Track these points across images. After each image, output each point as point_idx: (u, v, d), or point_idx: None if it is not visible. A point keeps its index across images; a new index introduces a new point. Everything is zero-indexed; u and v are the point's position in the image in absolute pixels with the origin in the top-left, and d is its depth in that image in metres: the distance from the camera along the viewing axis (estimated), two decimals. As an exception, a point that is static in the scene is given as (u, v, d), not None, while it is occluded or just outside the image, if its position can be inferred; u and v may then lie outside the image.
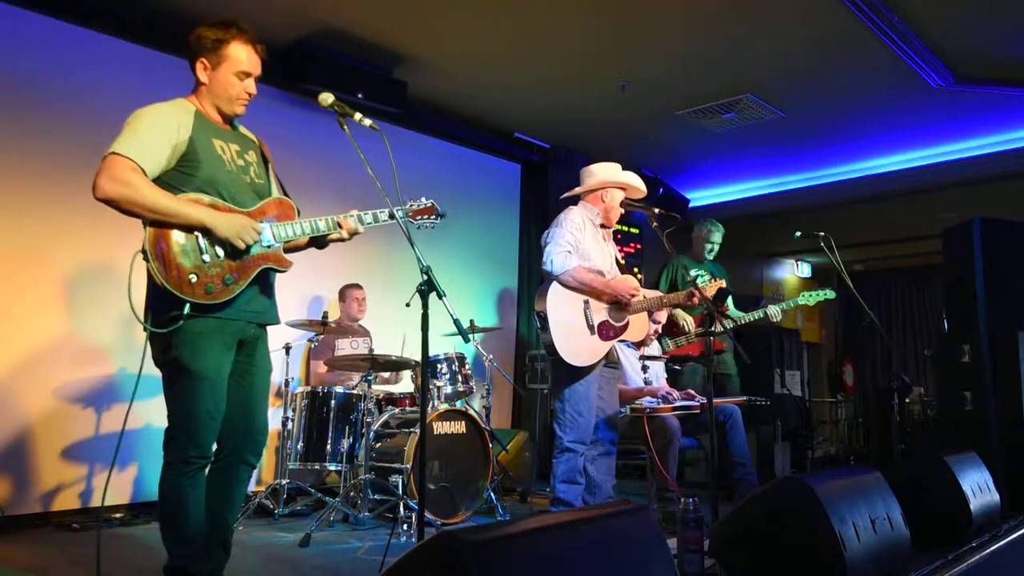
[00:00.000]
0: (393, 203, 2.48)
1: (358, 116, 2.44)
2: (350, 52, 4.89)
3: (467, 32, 4.72)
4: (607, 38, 4.75)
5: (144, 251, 2.15)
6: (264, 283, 2.43)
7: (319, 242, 2.54)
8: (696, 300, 3.46)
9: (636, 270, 7.17)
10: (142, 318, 2.22)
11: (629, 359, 4.25)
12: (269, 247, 2.36)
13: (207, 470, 2.32)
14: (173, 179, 2.25)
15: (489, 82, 5.46)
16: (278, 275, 2.49)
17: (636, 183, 3.57)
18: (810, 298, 4.39)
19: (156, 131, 2.22)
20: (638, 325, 3.51)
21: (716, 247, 5.18)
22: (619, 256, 3.69)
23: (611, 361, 3.54)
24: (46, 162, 4.05)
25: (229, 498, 2.39)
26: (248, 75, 2.38)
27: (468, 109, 5.95)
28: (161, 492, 2.26)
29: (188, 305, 2.17)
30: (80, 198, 3.96)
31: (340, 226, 2.47)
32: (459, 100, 5.79)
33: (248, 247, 2.28)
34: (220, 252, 2.25)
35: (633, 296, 3.39)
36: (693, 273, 4.92)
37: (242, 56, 2.36)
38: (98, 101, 4.17)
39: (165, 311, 2.19)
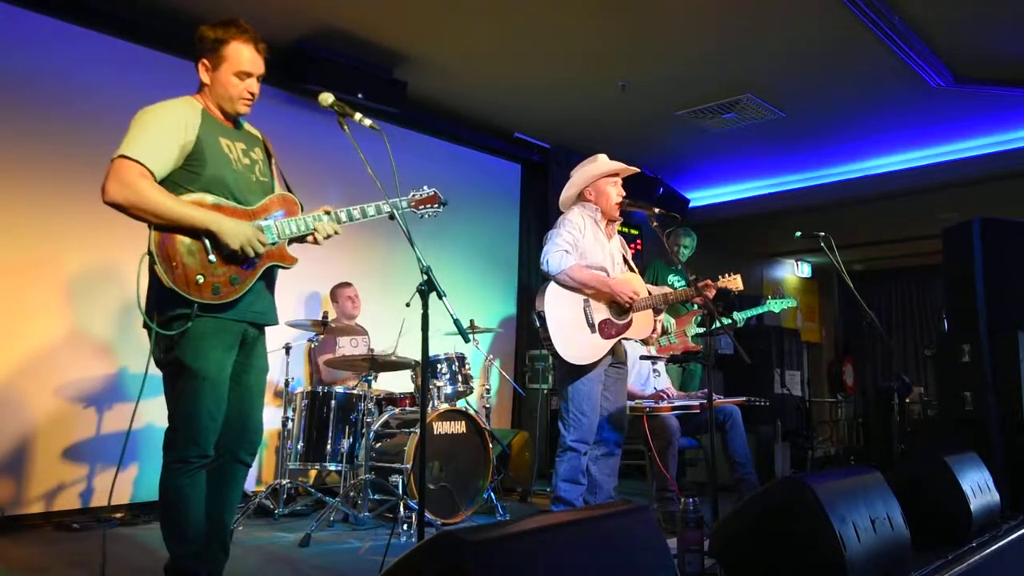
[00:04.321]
0: (394, 199, 2.48)
1: (358, 116, 2.43)
2: (350, 52, 4.89)
3: (467, 32, 4.72)
4: (607, 38, 4.75)
5: (150, 252, 2.15)
6: (268, 280, 2.43)
7: (300, 238, 2.50)
8: (701, 300, 3.47)
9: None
10: (148, 319, 2.21)
11: (632, 358, 4.25)
12: (274, 244, 2.36)
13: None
14: (180, 178, 2.24)
15: (489, 82, 5.46)
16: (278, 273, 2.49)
17: (605, 164, 3.55)
18: (775, 305, 4.74)
19: (164, 131, 2.21)
20: (642, 323, 3.50)
21: (687, 252, 5.47)
22: (628, 255, 3.68)
23: (619, 360, 3.52)
24: (46, 162, 4.05)
25: (225, 498, 2.38)
26: (249, 75, 2.37)
27: (468, 109, 5.95)
28: (161, 492, 2.25)
29: (196, 306, 2.17)
30: (80, 198, 4.01)
31: (318, 230, 2.43)
32: (459, 100, 5.79)
33: (252, 257, 2.27)
34: (226, 253, 2.24)
35: (632, 299, 3.37)
36: (670, 277, 5.39)
37: (242, 56, 2.34)
38: (99, 101, 4.17)
39: (171, 311, 2.19)
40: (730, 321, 4.47)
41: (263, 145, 2.55)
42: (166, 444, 2.26)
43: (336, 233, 2.47)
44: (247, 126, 2.54)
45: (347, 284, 4.95)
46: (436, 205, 2.67)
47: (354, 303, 4.92)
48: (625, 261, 3.64)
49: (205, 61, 2.35)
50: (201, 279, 2.18)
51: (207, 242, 2.21)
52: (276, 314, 2.52)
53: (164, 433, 2.27)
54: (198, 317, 2.19)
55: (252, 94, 2.40)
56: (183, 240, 2.18)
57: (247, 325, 2.37)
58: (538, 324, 3.32)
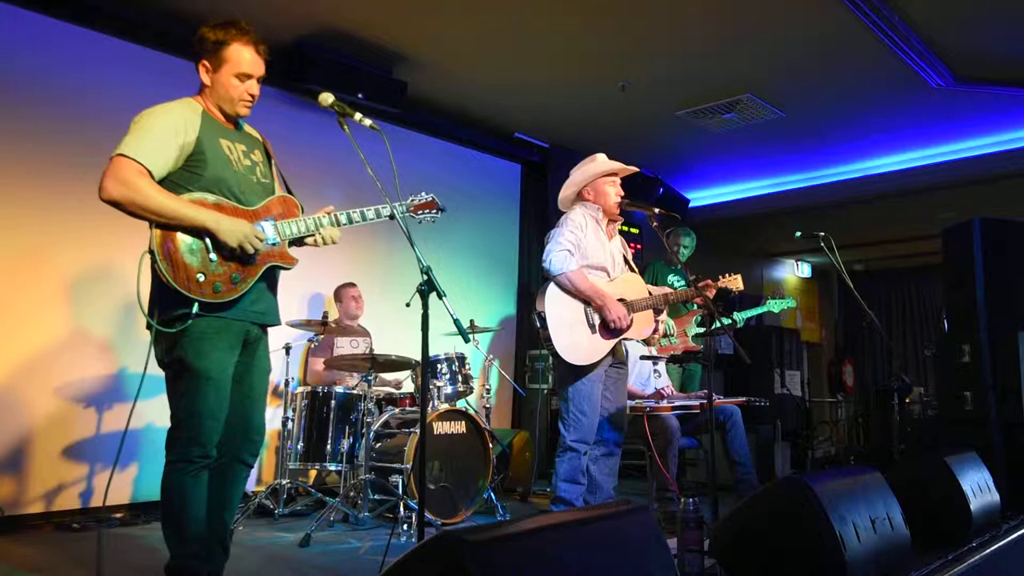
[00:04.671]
0: (393, 203, 2.48)
1: (358, 116, 2.44)
2: (350, 52, 4.90)
3: (467, 32, 4.72)
4: (607, 38, 4.75)
5: (151, 251, 2.15)
6: (270, 281, 2.43)
7: (299, 240, 2.51)
8: (700, 300, 3.47)
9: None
10: (149, 317, 2.21)
11: (633, 358, 4.25)
12: (274, 245, 2.36)
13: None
14: (180, 178, 2.25)
15: (489, 82, 5.46)
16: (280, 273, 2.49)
17: (604, 164, 3.54)
18: (774, 305, 4.72)
19: (163, 131, 2.22)
20: (642, 323, 3.49)
21: (686, 252, 5.49)
22: (629, 255, 3.68)
23: (619, 360, 3.51)
24: (47, 161, 4.05)
25: (226, 498, 2.39)
26: (249, 76, 2.37)
27: (468, 109, 5.95)
28: (164, 492, 2.26)
29: (196, 304, 2.17)
30: (81, 198, 4.01)
31: (327, 226, 2.44)
32: (459, 100, 5.79)
33: (252, 254, 2.28)
34: (227, 252, 2.25)
35: (618, 321, 3.29)
36: (669, 277, 5.43)
37: (243, 58, 2.35)
38: (99, 101, 4.18)
39: (173, 310, 2.19)
40: (730, 321, 4.47)
41: (263, 147, 2.56)
42: (168, 444, 2.27)
43: (335, 241, 2.48)
44: (247, 128, 2.55)
45: (351, 284, 4.96)
46: (434, 211, 2.68)
47: (358, 303, 4.93)
48: (626, 261, 3.63)
49: (205, 62, 2.35)
50: (202, 277, 2.19)
51: (208, 241, 2.21)
52: (278, 314, 2.52)
53: (167, 433, 2.28)
54: (200, 316, 2.20)
55: (252, 95, 2.41)
56: (184, 239, 2.18)
57: (249, 325, 2.37)
58: (538, 324, 3.32)
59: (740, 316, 4.68)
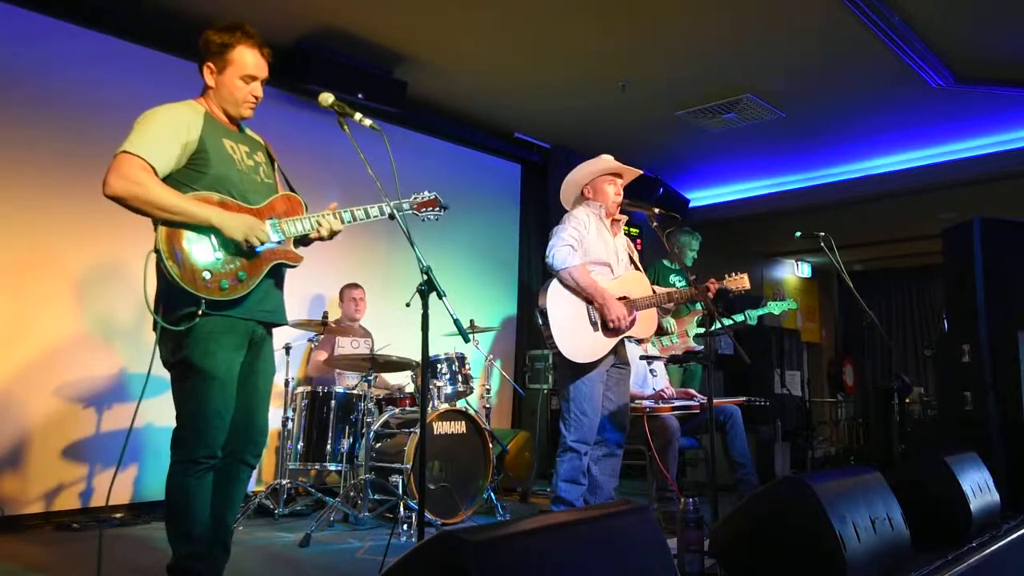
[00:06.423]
0: (396, 201, 2.49)
1: (358, 116, 2.44)
2: (350, 52, 4.90)
3: (467, 32, 4.72)
4: (607, 38, 4.75)
5: (157, 250, 2.16)
6: (276, 279, 2.44)
7: (304, 239, 2.51)
8: (703, 299, 3.47)
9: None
10: (156, 316, 2.22)
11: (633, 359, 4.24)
12: (279, 243, 2.37)
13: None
14: (184, 177, 2.26)
15: (489, 82, 5.46)
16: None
17: (603, 162, 3.54)
18: (775, 307, 4.69)
19: (166, 130, 2.23)
20: (645, 322, 3.48)
21: (691, 254, 5.51)
22: (634, 254, 3.67)
23: (621, 360, 3.51)
24: (48, 161, 4.05)
25: (228, 498, 2.39)
26: (254, 79, 2.39)
27: (468, 109, 5.95)
28: (168, 492, 2.26)
29: (204, 303, 2.17)
30: (85, 197, 4.02)
31: (321, 224, 2.45)
32: (459, 100, 5.79)
33: (256, 247, 2.28)
34: (232, 249, 2.25)
35: (618, 321, 3.28)
36: (671, 277, 5.45)
37: (247, 60, 2.36)
38: (100, 100, 4.18)
39: (179, 309, 2.19)
40: (743, 318, 4.49)
41: (265, 150, 2.57)
42: (174, 443, 2.27)
43: (337, 231, 2.48)
44: (249, 131, 2.55)
45: (356, 286, 4.94)
46: (437, 208, 2.68)
47: (357, 306, 4.91)
48: (631, 260, 3.63)
49: (210, 64, 2.37)
50: (208, 275, 2.19)
51: (213, 238, 2.22)
52: (285, 313, 2.52)
53: (172, 433, 2.28)
54: (207, 316, 2.20)
55: (256, 97, 2.42)
56: (190, 237, 2.19)
57: (255, 325, 2.37)
58: (540, 321, 3.31)
59: (753, 314, 4.67)
